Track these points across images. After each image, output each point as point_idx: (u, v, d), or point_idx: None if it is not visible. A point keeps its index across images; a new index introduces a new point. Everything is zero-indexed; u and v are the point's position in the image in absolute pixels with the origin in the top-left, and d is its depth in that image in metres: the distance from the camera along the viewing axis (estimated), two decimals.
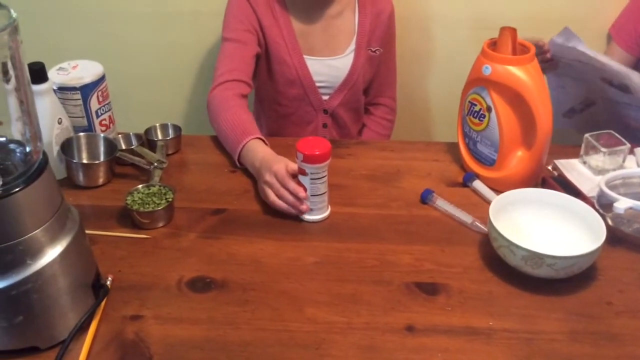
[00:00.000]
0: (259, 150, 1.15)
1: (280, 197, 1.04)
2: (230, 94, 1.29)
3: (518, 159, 1.12)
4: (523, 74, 1.06)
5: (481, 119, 1.14)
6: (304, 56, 1.43)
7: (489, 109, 1.11)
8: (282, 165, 1.05)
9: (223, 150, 1.28)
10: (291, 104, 1.48)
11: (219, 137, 1.27)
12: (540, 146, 1.08)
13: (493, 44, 1.12)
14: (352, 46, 1.45)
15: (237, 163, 1.20)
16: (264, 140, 1.19)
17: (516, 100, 1.08)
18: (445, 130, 1.80)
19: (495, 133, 1.12)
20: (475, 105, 1.14)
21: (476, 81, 1.13)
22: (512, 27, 1.09)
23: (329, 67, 1.46)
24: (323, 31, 1.43)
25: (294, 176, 1.05)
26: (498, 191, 1.08)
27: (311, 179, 1.02)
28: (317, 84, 1.46)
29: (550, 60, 1.31)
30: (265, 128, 1.55)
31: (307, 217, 1.06)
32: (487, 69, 1.09)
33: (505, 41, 1.09)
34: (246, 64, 1.36)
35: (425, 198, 1.10)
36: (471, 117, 1.16)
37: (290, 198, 1.03)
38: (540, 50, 1.26)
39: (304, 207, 1.04)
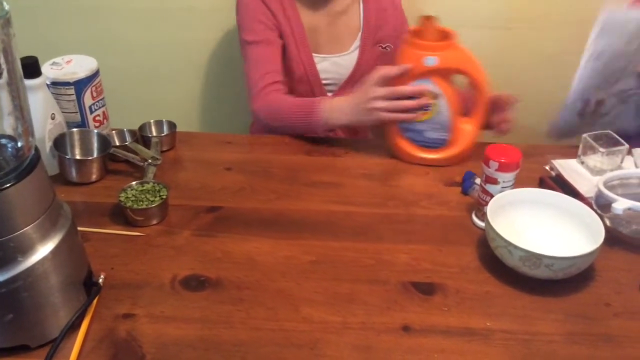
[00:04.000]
0: (334, 100, 1.23)
1: (395, 108, 1.12)
2: (279, 96, 1.32)
3: (466, 132, 1.19)
4: (463, 54, 1.12)
5: (426, 109, 1.16)
6: (312, 54, 1.42)
7: (435, 97, 1.14)
8: (373, 83, 1.14)
9: (218, 148, 1.27)
10: None
11: (289, 131, 1.29)
12: (482, 109, 1.17)
13: (416, 36, 1.14)
14: (357, 43, 1.45)
15: (326, 131, 1.26)
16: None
17: (456, 77, 1.15)
18: None
19: (445, 116, 1.16)
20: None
21: (415, 76, 1.14)
22: (429, 15, 1.12)
23: (335, 65, 1.45)
24: (329, 27, 1.43)
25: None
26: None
27: (502, 187, 0.99)
28: (323, 82, 1.45)
29: None
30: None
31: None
32: (430, 60, 1.11)
33: (431, 29, 1.13)
34: (277, 63, 1.37)
35: (466, 189, 1.12)
36: None
37: (409, 103, 1.12)
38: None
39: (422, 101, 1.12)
